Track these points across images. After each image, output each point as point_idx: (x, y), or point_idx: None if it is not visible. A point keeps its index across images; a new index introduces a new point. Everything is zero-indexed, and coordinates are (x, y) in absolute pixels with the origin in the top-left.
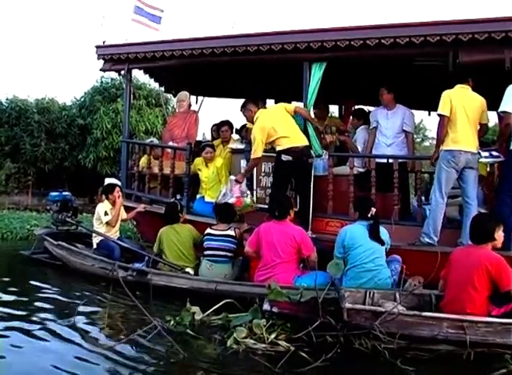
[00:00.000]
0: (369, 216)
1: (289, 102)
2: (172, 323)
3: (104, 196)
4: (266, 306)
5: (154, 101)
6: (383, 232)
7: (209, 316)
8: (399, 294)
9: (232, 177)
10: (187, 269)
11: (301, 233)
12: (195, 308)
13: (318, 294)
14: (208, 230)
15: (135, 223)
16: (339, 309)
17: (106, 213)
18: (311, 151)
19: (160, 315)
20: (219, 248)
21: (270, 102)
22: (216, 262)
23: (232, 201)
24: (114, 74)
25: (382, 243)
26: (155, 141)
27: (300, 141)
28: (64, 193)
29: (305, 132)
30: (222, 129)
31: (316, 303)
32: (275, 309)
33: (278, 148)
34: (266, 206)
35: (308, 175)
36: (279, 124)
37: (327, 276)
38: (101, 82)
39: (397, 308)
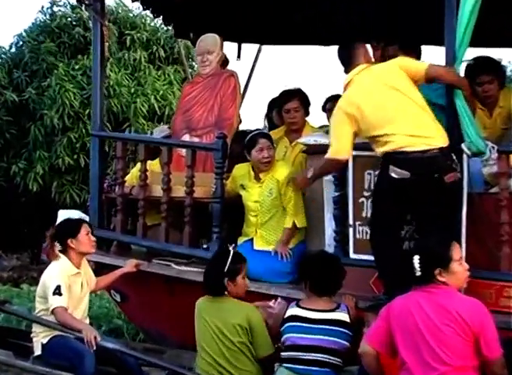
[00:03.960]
0: None
1: (414, 50)
2: None
3: (57, 246)
4: None
5: (163, 52)
6: None
7: None
8: None
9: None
10: None
11: (481, 311)
12: None
13: None
14: (294, 311)
15: (117, 296)
16: None
17: (58, 290)
18: (464, 147)
19: None
20: (317, 348)
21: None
22: (309, 373)
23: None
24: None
25: None
26: (168, 132)
27: (433, 139)
28: None
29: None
30: (286, 106)
31: None
32: None
33: (381, 151)
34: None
35: (450, 203)
36: (382, 106)
37: None
38: (52, 14)
39: None
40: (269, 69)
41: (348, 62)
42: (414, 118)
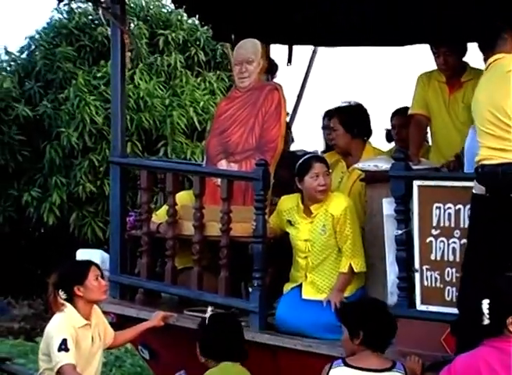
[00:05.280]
0: None
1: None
2: None
3: (61, 295)
4: None
5: (203, 55)
6: None
7: None
8: None
9: None
10: None
11: None
12: None
13: None
14: (341, 371)
15: (146, 353)
16: None
17: (64, 345)
18: None
19: None
20: None
21: None
22: None
23: None
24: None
25: None
26: None
27: None
28: None
29: None
30: (326, 123)
31: None
32: None
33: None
34: (452, 310)
35: None
36: (481, 113)
37: None
38: (70, 12)
39: None
40: (331, 76)
41: (490, 45)
42: (501, 128)
